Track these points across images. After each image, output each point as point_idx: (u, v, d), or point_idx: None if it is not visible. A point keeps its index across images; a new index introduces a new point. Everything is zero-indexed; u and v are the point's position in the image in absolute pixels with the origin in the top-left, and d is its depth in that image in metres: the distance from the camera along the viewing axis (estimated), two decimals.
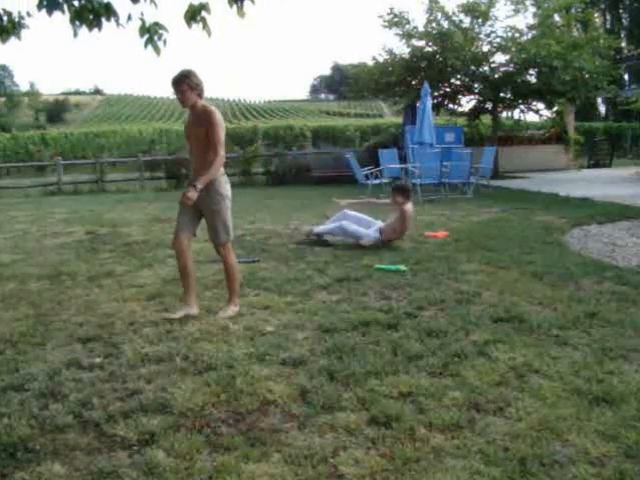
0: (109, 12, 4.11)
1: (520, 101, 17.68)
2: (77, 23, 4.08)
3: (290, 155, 18.49)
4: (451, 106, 18.58)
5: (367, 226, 6.81)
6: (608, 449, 2.31)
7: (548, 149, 19.51)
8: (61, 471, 2.30)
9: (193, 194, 4.04)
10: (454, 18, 16.34)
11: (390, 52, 17.46)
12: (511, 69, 16.38)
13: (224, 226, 4.23)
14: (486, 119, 19.10)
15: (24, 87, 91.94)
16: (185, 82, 4.10)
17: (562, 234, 7.12)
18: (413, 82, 17.03)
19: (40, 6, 3.92)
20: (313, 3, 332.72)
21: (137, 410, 2.75)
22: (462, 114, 19.10)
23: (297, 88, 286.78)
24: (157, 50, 4.11)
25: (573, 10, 17.29)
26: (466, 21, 16.43)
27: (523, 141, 19.69)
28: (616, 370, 3.04)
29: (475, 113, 18.50)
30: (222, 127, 4.10)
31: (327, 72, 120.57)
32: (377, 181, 12.38)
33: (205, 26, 3.98)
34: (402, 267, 5.44)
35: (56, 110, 69.19)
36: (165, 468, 2.28)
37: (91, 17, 4.09)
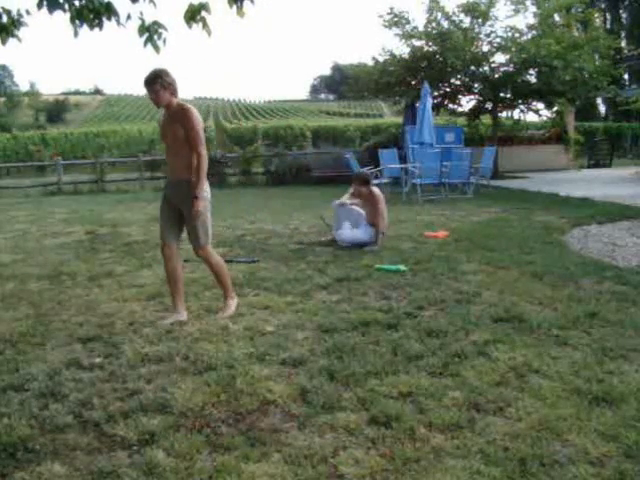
0: (110, 11, 4.11)
1: (520, 101, 17.68)
2: (78, 22, 4.09)
3: (290, 155, 18.49)
4: (451, 106, 18.58)
5: (356, 222, 6.82)
6: (608, 449, 2.31)
7: (548, 149, 19.51)
8: (61, 471, 2.30)
9: (201, 203, 4.00)
10: (454, 18, 16.34)
11: (390, 52, 17.46)
12: (511, 69, 16.38)
13: (204, 228, 4.12)
14: (486, 119, 19.10)
15: (24, 87, 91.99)
16: (158, 82, 3.98)
17: (562, 234, 7.12)
18: (413, 82, 17.03)
19: (40, 5, 3.92)
20: (313, 3, 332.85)
21: (137, 410, 2.75)
22: (462, 114, 19.10)
23: (297, 88, 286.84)
24: (157, 49, 4.11)
25: (573, 10, 17.29)
26: (466, 21, 16.44)
27: (523, 141, 19.70)
28: (616, 370, 3.04)
29: (475, 113, 18.50)
30: (201, 125, 4.05)
31: (327, 72, 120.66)
32: (377, 181, 12.35)
33: (205, 26, 3.98)
34: (402, 267, 5.44)
35: (56, 110, 69.17)
36: (165, 468, 2.28)
37: (92, 16, 4.10)
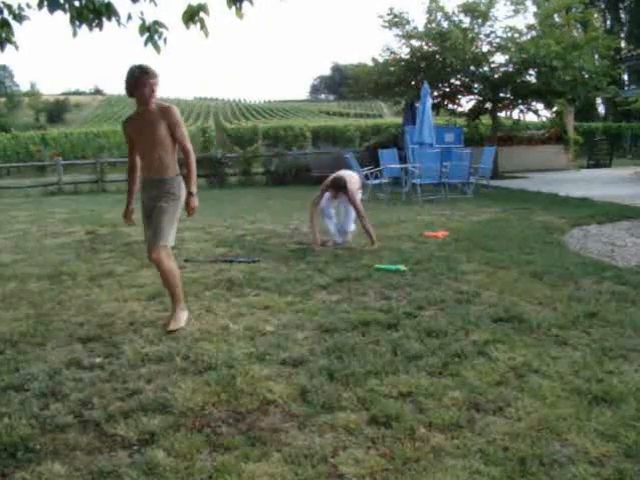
0: (110, 11, 4.12)
1: (520, 101, 17.68)
2: (77, 23, 4.09)
3: (290, 155, 18.49)
4: (451, 106, 18.58)
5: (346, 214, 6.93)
6: (607, 449, 2.31)
7: (548, 149, 19.50)
8: (61, 471, 2.31)
9: (197, 200, 3.95)
10: (454, 18, 16.34)
11: (390, 52, 17.46)
12: (511, 69, 16.38)
13: (169, 227, 3.92)
14: (486, 119, 19.10)
15: (24, 87, 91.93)
16: (157, 79, 3.90)
17: (562, 234, 7.13)
18: (413, 82, 17.03)
19: (41, 5, 3.92)
20: (313, 3, 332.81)
21: (137, 410, 2.76)
22: (462, 114, 19.10)
23: (297, 88, 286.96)
24: (157, 48, 4.11)
25: (573, 10, 17.29)
26: (466, 21, 16.44)
27: (523, 141, 19.69)
28: (616, 370, 3.04)
29: (475, 113, 18.50)
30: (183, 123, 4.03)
31: (327, 72, 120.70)
32: (377, 181, 12.38)
33: (203, 27, 3.98)
34: (402, 267, 5.44)
35: (56, 110, 69.14)
36: (165, 468, 2.28)
37: (92, 17, 4.10)
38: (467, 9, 16.20)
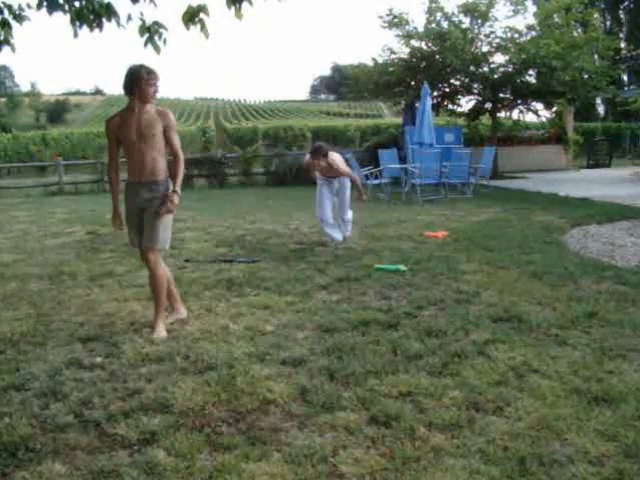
0: (110, 12, 4.13)
1: (519, 101, 17.69)
2: (78, 23, 4.10)
3: (290, 155, 18.48)
4: (450, 106, 18.58)
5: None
6: (607, 448, 2.32)
7: (547, 149, 19.50)
8: (62, 470, 2.31)
9: (177, 198, 3.86)
10: (454, 18, 16.34)
11: (390, 52, 17.46)
12: (510, 69, 16.38)
13: (165, 230, 3.90)
14: (485, 119, 19.10)
15: (25, 87, 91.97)
16: (158, 81, 3.86)
17: (561, 234, 7.13)
18: (412, 82, 17.03)
19: (40, 6, 3.93)
20: (313, 3, 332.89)
21: (137, 409, 2.76)
22: (462, 114, 19.10)
23: (297, 88, 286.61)
24: (157, 49, 4.12)
25: (573, 10, 17.28)
26: (466, 21, 16.44)
27: (522, 141, 19.68)
28: (615, 370, 3.05)
29: (474, 113, 18.50)
30: None
31: (327, 72, 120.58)
32: (377, 181, 12.38)
33: (203, 28, 3.98)
34: (402, 267, 5.44)
35: (57, 110, 69.15)
36: (165, 467, 2.29)
37: (92, 17, 4.11)
38: (467, 9, 16.21)
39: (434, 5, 16.40)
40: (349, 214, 7.11)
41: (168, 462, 2.32)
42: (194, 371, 3.21)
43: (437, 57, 16.26)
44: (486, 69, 16.69)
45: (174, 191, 3.87)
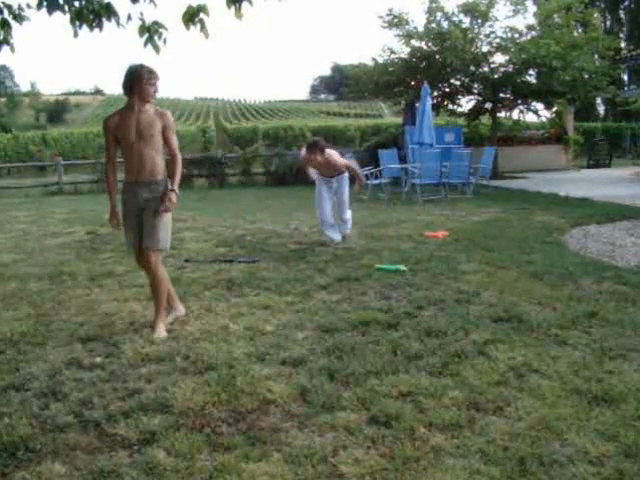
0: (109, 12, 4.13)
1: (520, 101, 17.68)
2: (77, 23, 4.10)
3: (290, 155, 18.48)
4: (451, 106, 18.58)
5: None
6: (607, 448, 2.32)
7: (548, 149, 19.50)
8: (62, 470, 2.31)
9: (175, 197, 3.86)
10: (454, 18, 16.34)
11: (390, 51, 17.46)
12: (510, 69, 16.37)
13: (165, 230, 3.90)
14: (485, 119, 19.09)
15: (25, 87, 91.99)
16: (158, 81, 3.85)
17: (562, 234, 7.13)
18: (412, 82, 17.03)
19: (40, 6, 3.93)
20: (313, 3, 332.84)
21: (137, 409, 2.76)
22: (462, 114, 19.10)
23: (297, 88, 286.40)
24: (157, 49, 4.12)
25: (573, 10, 17.28)
26: (466, 21, 16.44)
27: (523, 141, 19.67)
28: (615, 370, 3.05)
29: (474, 113, 18.50)
30: None
31: (327, 72, 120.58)
32: (377, 181, 12.37)
33: (203, 28, 3.98)
34: (402, 267, 5.44)
35: (57, 110, 69.13)
36: (165, 467, 2.29)
37: (91, 17, 4.11)
38: (467, 9, 16.20)
39: (434, 5, 16.38)
40: (348, 213, 7.12)
41: (168, 462, 2.32)
42: (194, 371, 3.21)
43: (437, 57, 16.25)
44: (486, 69, 16.68)
45: (172, 190, 3.87)
